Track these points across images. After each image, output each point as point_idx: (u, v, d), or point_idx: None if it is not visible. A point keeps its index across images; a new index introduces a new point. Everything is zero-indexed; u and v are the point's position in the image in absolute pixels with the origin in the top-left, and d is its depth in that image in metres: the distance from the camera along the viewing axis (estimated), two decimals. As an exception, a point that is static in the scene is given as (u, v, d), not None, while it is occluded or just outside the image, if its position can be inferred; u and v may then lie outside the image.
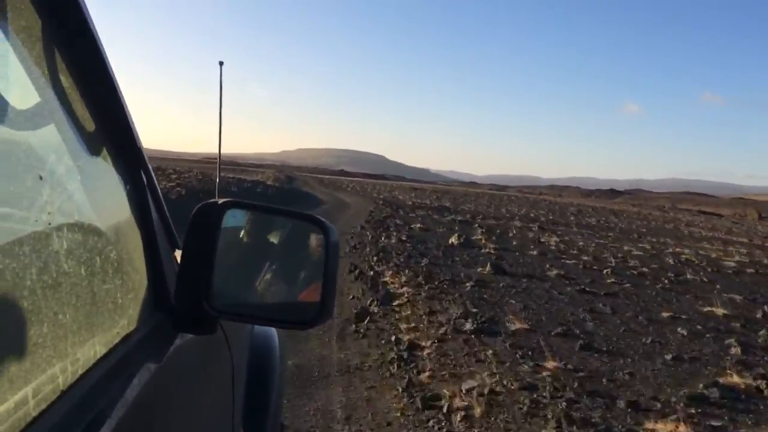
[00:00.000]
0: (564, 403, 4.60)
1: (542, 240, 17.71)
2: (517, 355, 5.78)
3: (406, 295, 8.00)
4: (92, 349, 0.79)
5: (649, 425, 4.40)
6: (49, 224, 0.69)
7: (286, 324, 1.31)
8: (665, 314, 8.46)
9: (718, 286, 11.61)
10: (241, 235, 1.26)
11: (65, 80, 0.79)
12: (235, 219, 1.16)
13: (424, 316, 6.98)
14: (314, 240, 1.22)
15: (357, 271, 9.30)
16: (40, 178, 0.68)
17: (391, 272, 9.54)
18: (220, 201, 1.11)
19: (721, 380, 5.54)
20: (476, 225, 20.63)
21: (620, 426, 4.37)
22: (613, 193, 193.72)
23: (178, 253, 1.23)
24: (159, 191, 1.15)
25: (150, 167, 1.10)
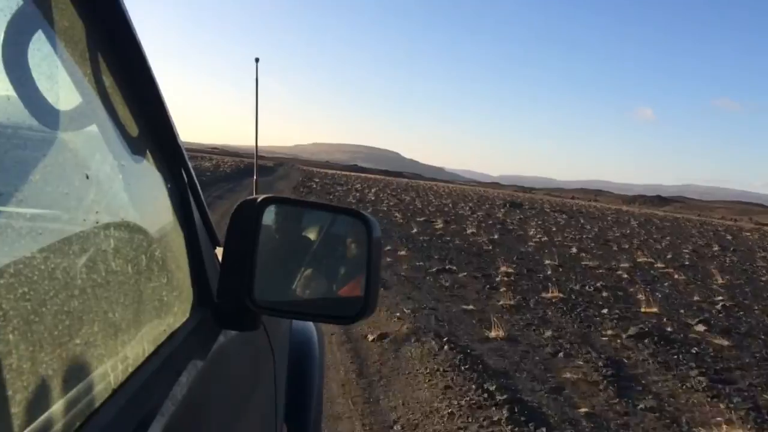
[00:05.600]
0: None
1: None
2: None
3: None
4: (140, 347, 0.79)
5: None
6: (97, 223, 0.69)
7: (330, 319, 1.25)
8: None
9: None
10: (278, 231, 1.25)
11: (107, 81, 0.79)
12: (275, 215, 1.16)
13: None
14: (355, 235, 1.19)
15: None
16: (87, 177, 0.68)
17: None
18: (260, 198, 1.10)
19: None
20: None
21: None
22: (660, 200, 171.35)
23: (218, 251, 1.23)
24: (200, 190, 1.15)
25: (190, 166, 1.10)
